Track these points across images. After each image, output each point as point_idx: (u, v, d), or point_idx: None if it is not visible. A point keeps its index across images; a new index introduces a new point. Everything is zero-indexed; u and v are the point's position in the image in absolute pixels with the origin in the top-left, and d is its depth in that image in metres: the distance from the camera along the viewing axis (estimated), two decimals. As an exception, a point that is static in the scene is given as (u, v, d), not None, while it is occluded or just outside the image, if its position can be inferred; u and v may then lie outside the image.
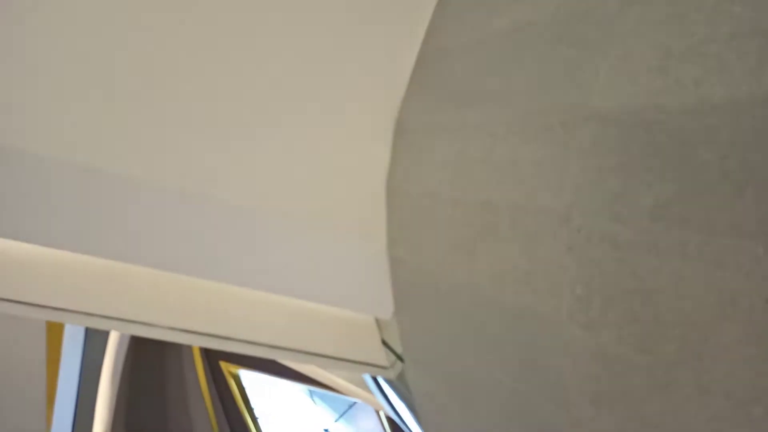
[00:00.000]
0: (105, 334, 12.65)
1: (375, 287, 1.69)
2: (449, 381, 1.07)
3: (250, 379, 23.91)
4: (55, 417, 6.12)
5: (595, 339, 0.67)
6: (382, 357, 2.01)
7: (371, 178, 1.63)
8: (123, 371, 15.92)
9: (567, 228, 0.78)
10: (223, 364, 23.10)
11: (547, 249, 0.80)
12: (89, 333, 7.77)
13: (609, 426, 0.70)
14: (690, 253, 0.61)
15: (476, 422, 1.02)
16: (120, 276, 1.75)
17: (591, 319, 0.67)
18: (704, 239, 0.59)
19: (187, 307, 2.13)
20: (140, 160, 1.33)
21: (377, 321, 2.11)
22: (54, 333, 5.94)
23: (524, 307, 0.83)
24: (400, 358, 1.88)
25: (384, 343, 2.05)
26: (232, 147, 1.45)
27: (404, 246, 1.25)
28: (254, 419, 24.41)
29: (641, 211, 0.66)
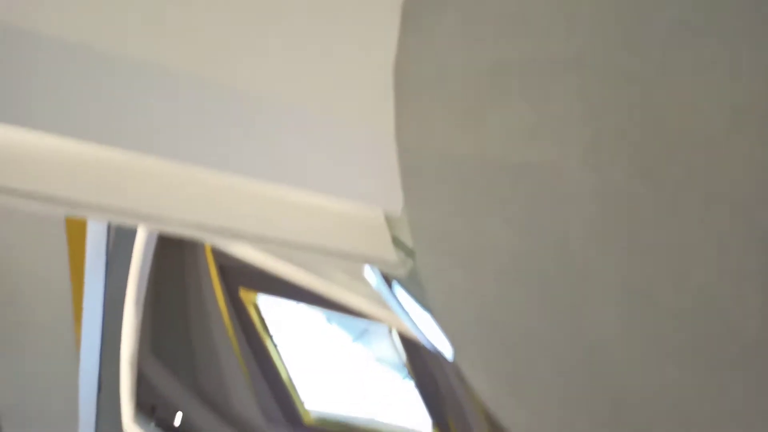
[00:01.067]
0: (126, 264, 13.10)
1: (383, 178, 1.69)
2: (457, 254, 1.09)
3: (269, 305, 24.74)
4: (83, 343, 6.44)
5: (602, 178, 0.66)
6: (392, 253, 2.06)
7: (377, 62, 1.58)
8: (146, 301, 16.65)
9: (577, 72, 0.75)
10: (242, 292, 23.81)
11: (557, 98, 0.78)
12: (110, 262, 8.02)
13: (614, 268, 0.71)
14: (704, 67, 0.58)
15: (482, 291, 1.04)
16: (130, 168, 1.78)
17: (599, 161, 0.66)
18: (720, 49, 0.57)
19: (197, 201, 2.18)
20: (145, 41, 1.31)
21: (387, 217, 2.14)
22: (76, 261, 6.04)
23: (531, 160, 0.83)
24: (411, 254, 1.91)
25: (394, 240, 2.09)
26: (239, 32, 1.41)
27: (412, 130, 1.22)
28: (274, 344, 25.54)
29: (656, 36, 0.63)
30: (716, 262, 0.71)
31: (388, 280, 2.76)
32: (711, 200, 0.67)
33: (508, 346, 1.20)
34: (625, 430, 0.94)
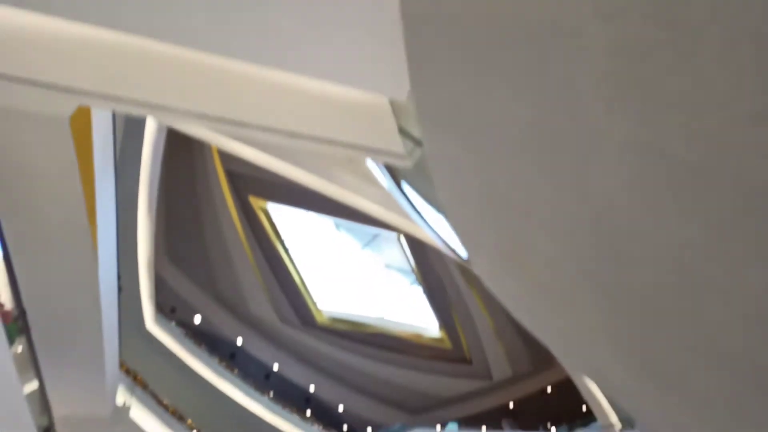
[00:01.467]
0: (136, 170, 13.01)
1: (388, 63, 1.64)
2: (467, 133, 1.06)
3: (279, 213, 24.97)
4: (100, 243, 6.60)
5: (616, 29, 0.62)
6: (398, 144, 2.03)
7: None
8: (158, 208, 16.69)
9: None
10: (252, 199, 24.03)
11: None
12: (119, 167, 8.02)
13: (625, 124, 0.69)
14: None
15: (491, 169, 1.02)
16: (133, 56, 1.74)
17: (613, 9, 0.62)
18: None
19: (203, 90, 2.13)
20: None
21: (393, 106, 2.09)
22: (85, 165, 6.04)
23: (544, 17, 0.78)
24: (418, 143, 1.89)
25: (401, 130, 2.05)
26: None
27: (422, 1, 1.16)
28: (286, 249, 25.94)
29: None
30: (731, 106, 0.69)
31: (396, 179, 2.77)
32: (734, 40, 0.63)
33: (516, 227, 1.21)
34: (630, 291, 0.97)
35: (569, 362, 1.74)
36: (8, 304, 4.89)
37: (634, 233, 0.80)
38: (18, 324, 4.78)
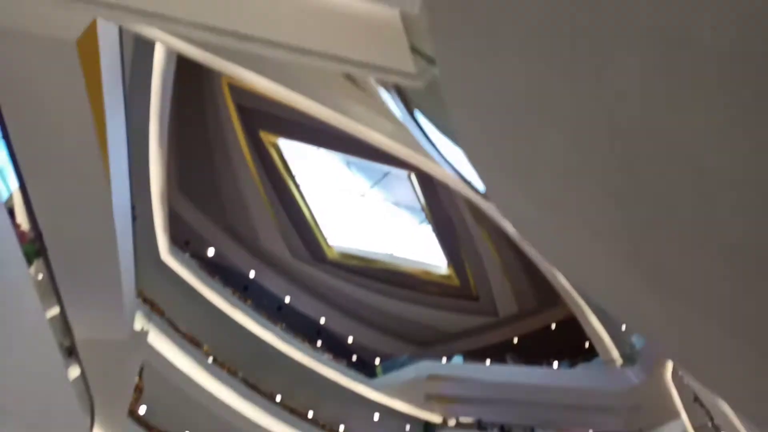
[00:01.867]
0: (146, 100, 12.86)
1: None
2: (481, 36, 1.01)
3: (290, 148, 24.79)
4: (112, 171, 6.64)
5: None
6: (409, 62, 1.98)
7: None
8: (169, 141, 16.60)
9: None
10: (262, 135, 23.85)
11: None
12: (129, 96, 7.94)
13: (651, 15, 0.65)
14: None
15: (507, 71, 0.99)
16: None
17: None
18: None
19: (207, 2, 2.07)
20: None
21: (404, 24, 2.02)
22: (94, 93, 5.97)
23: None
24: (431, 61, 1.83)
25: (412, 48, 1.99)
26: None
27: None
28: (297, 185, 25.99)
29: None
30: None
31: (410, 108, 2.70)
32: None
33: (530, 133, 1.19)
34: (642, 192, 0.96)
35: (576, 278, 1.75)
36: (25, 225, 5.01)
37: (649, 128, 0.78)
38: (35, 245, 4.91)
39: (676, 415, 18.88)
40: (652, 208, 0.86)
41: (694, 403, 16.12)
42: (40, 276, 7.02)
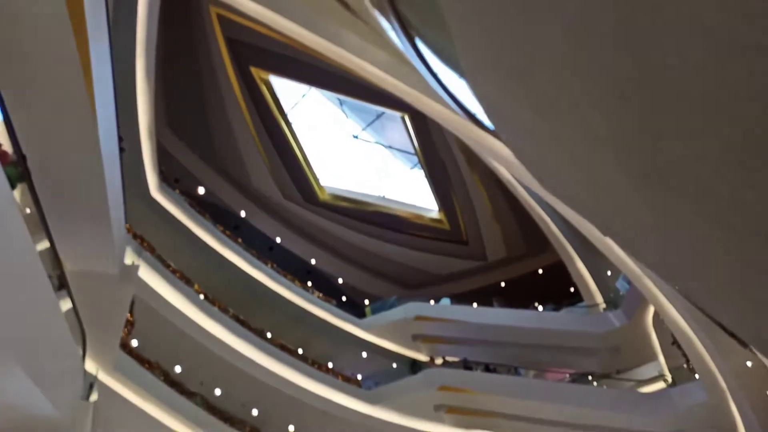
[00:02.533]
0: (131, 30, 12.38)
1: None
2: None
3: (282, 86, 24.24)
4: (98, 102, 6.44)
5: None
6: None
7: None
8: (157, 73, 16.07)
9: None
10: (253, 70, 23.29)
11: None
12: (113, 25, 7.61)
13: None
14: None
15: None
16: None
17: None
18: None
19: None
20: None
21: None
22: (77, 21, 5.70)
23: None
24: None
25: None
26: None
27: None
28: (289, 125, 25.60)
29: None
30: None
31: (409, 35, 2.56)
32: None
33: (528, 24, 1.11)
34: (648, 78, 0.91)
35: (566, 191, 1.72)
36: (7, 146, 4.86)
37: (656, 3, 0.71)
38: (18, 169, 4.79)
39: (653, 357, 19.58)
40: (658, 96, 0.80)
41: (672, 345, 16.68)
42: (28, 210, 6.94)
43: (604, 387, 19.30)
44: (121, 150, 8.45)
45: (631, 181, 1.03)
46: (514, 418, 17.69)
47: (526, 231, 25.02)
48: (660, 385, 18.01)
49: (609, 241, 12.71)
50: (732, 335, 7.24)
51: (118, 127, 8.42)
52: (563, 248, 21.90)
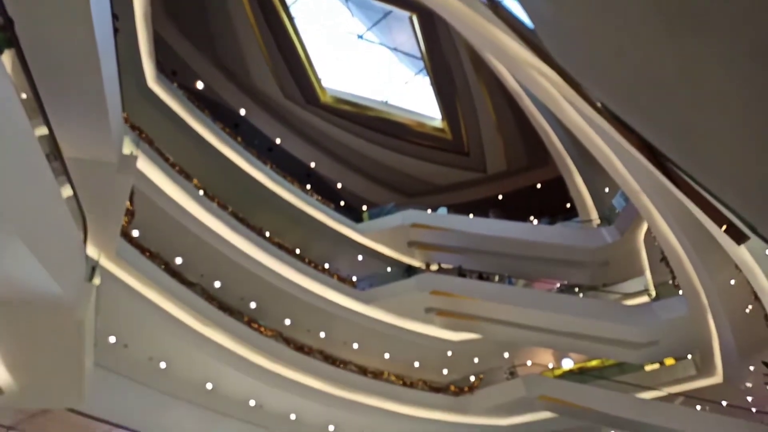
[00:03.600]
0: None
1: None
2: None
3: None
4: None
5: None
6: None
7: None
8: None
9: None
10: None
11: None
12: None
13: None
14: None
15: None
16: None
17: None
18: None
19: None
20: None
21: None
22: None
23: None
24: None
25: None
26: None
27: None
28: (291, 20, 24.65)
29: None
30: None
31: None
32: None
33: None
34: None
35: (589, 60, 1.63)
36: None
37: None
38: (6, 33, 4.55)
39: (640, 272, 20.14)
40: None
41: (660, 262, 17.11)
42: (24, 95, 6.73)
43: (590, 299, 20.00)
44: (116, 30, 8.08)
45: (663, 25, 0.95)
46: (501, 323, 18.50)
47: (528, 144, 24.79)
48: (644, 299, 18.70)
49: (611, 155, 12.62)
50: (729, 228, 7.27)
51: (112, 5, 8.00)
52: (563, 162, 21.80)
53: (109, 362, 11.92)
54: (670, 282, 16.97)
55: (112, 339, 11.87)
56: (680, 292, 16.05)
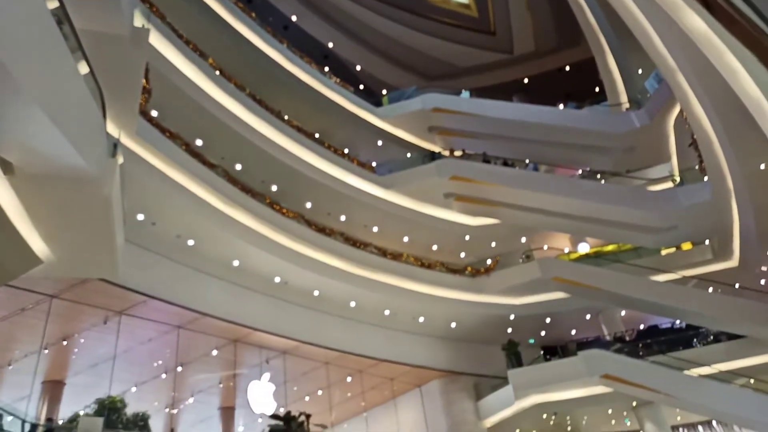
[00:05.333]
0: None
1: None
2: None
3: None
4: None
5: None
6: None
7: None
8: None
9: None
10: None
11: None
12: None
13: None
14: None
15: None
16: None
17: None
18: None
19: None
20: None
21: None
22: None
23: None
24: None
25: None
26: None
27: None
28: None
29: None
30: None
31: None
32: None
33: None
34: None
35: None
36: None
37: None
38: None
39: (666, 158, 19.71)
40: None
41: (689, 147, 16.64)
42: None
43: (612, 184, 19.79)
44: None
45: None
46: (520, 209, 18.56)
47: (559, 22, 23.27)
48: (667, 185, 18.45)
49: (650, 30, 11.78)
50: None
51: None
52: (597, 41, 20.55)
53: (139, 239, 12.37)
54: (696, 167, 16.61)
55: (141, 216, 12.21)
56: (705, 177, 15.75)
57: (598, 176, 20.46)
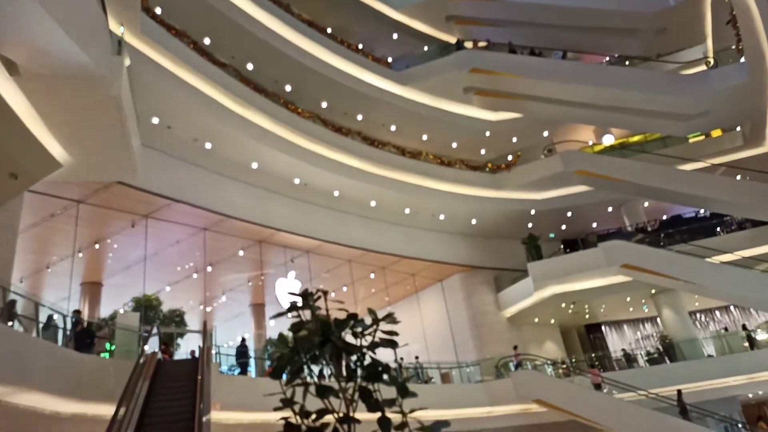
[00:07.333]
0: None
1: None
2: None
3: None
4: None
5: None
6: None
7: None
8: None
9: None
10: None
11: None
12: None
13: None
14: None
15: None
16: None
17: None
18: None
19: None
20: None
21: None
22: None
23: None
24: None
25: None
26: None
27: None
28: None
29: None
30: None
31: None
32: None
33: None
34: None
35: None
36: None
37: None
38: None
39: (701, 40, 18.47)
40: None
41: (726, 25, 15.49)
42: None
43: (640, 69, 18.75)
44: None
45: None
46: (542, 100, 17.82)
47: None
48: (701, 68, 17.42)
49: None
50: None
51: None
52: None
53: (157, 143, 12.35)
54: (733, 47, 15.56)
55: (155, 120, 12.08)
56: (742, 58, 14.77)
57: (627, 63, 19.38)
